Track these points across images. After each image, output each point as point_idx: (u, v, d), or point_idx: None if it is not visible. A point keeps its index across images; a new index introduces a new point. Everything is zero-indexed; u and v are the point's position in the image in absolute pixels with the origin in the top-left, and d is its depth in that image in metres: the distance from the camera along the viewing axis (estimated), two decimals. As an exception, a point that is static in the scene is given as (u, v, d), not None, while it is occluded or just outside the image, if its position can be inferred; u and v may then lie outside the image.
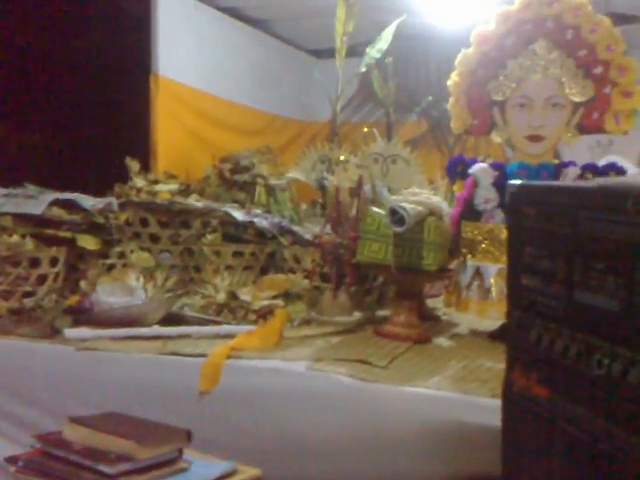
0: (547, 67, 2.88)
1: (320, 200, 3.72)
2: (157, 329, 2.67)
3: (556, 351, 1.53)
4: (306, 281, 3.15)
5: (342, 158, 3.37)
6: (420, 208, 2.66)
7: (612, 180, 1.45)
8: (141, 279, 3.07)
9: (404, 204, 2.58)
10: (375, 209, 2.78)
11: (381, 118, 5.41)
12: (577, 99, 2.85)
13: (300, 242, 3.30)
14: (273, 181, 4.24)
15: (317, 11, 4.82)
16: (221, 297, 2.91)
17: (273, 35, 5.39)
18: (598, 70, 2.81)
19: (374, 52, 4.55)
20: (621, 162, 4.33)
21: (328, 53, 4.67)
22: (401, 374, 2.23)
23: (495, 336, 2.77)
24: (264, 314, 2.84)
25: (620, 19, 5.24)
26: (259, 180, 4.25)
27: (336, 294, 2.87)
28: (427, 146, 5.76)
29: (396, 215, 2.55)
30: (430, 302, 3.34)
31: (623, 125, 2.82)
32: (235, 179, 4.27)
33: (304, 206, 3.79)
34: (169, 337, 2.61)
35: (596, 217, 1.45)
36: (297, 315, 2.93)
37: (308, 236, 3.30)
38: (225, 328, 2.68)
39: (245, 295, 2.90)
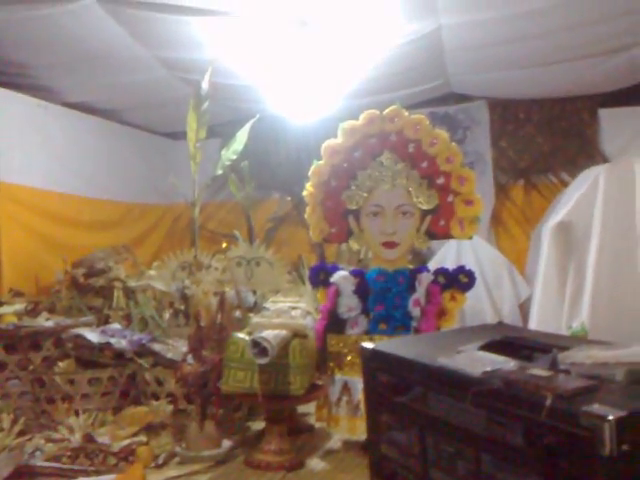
0: (394, 178, 2.98)
1: (182, 308, 3.58)
2: (2, 496, 2.40)
3: (419, 532, 1.52)
4: (170, 407, 3.00)
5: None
6: (283, 332, 2.62)
7: (455, 359, 1.47)
8: (-16, 424, 2.77)
9: (266, 333, 2.52)
10: (238, 335, 2.70)
11: (250, 196, 5.36)
12: (424, 207, 2.97)
13: (162, 363, 3.14)
14: (132, 283, 4.05)
15: (167, 101, 4.75)
16: (76, 440, 2.68)
17: (125, 124, 5.23)
18: (440, 180, 2.95)
19: (229, 154, 4.52)
20: (480, 248, 4.60)
21: (184, 134, 4.59)
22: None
23: (367, 448, 2.78)
24: (125, 456, 2.64)
25: (460, 98, 5.65)
26: (116, 283, 4.04)
27: (202, 426, 2.74)
28: (293, 223, 5.80)
29: (258, 346, 2.49)
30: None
31: (467, 231, 2.96)
32: (90, 284, 4.03)
33: (167, 314, 3.63)
34: (16, 503, 2.35)
35: (443, 400, 1.47)
36: (162, 450, 2.76)
37: (171, 355, 3.15)
38: (80, 484, 2.46)
39: (103, 436, 2.70)
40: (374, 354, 1.72)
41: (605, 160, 5.04)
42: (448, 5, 3.67)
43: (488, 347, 1.55)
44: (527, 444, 1.25)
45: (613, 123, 5.28)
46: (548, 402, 1.18)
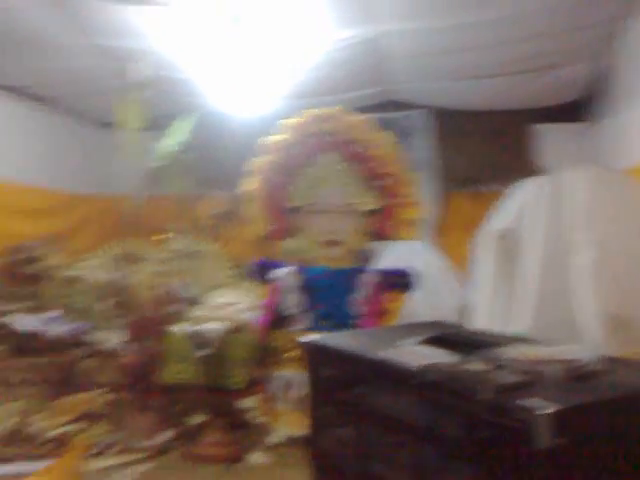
0: (337, 177, 3.03)
1: (121, 299, 3.51)
2: None
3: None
4: (109, 396, 2.95)
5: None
6: (224, 326, 2.63)
7: (396, 352, 1.53)
8: None
9: (208, 325, 2.54)
10: (177, 327, 2.70)
11: (190, 190, 5.28)
12: (366, 208, 3.03)
13: (100, 352, 3.09)
14: (70, 272, 3.95)
15: (105, 89, 4.61)
16: (10, 426, 2.61)
17: (63, 111, 5.06)
18: (383, 182, 3.02)
19: (171, 145, 4.42)
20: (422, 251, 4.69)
21: (124, 124, 4.49)
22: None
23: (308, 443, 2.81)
24: (60, 443, 2.59)
25: (400, 106, 5.76)
26: (51, 272, 3.93)
27: (141, 416, 2.72)
28: (236, 219, 5.74)
29: (198, 339, 2.50)
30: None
31: (407, 233, 3.05)
32: (24, 272, 3.90)
33: (106, 304, 3.56)
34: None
35: (383, 392, 1.52)
36: (99, 439, 2.73)
37: (109, 344, 3.10)
38: (13, 469, 2.39)
39: (38, 422, 2.64)
40: (316, 347, 1.76)
41: (540, 172, 5.26)
42: (387, 12, 3.74)
43: (427, 342, 1.62)
44: (465, 436, 1.31)
45: (547, 137, 5.54)
46: (485, 396, 1.24)
